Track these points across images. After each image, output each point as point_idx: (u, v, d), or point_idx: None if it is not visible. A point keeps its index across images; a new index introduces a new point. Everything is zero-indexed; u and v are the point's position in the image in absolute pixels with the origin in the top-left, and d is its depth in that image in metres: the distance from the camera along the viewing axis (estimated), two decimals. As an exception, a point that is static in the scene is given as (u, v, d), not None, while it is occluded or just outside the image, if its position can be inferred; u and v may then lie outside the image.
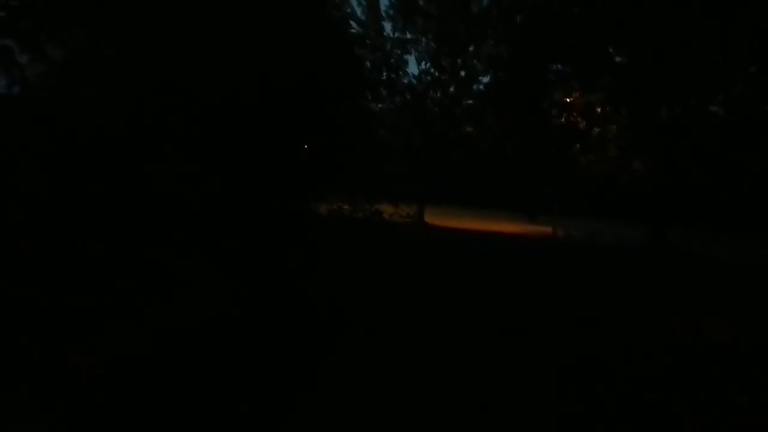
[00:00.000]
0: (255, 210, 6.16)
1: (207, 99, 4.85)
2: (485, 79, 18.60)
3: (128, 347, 3.61)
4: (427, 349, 4.36)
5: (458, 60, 18.95)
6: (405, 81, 19.34)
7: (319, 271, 6.56)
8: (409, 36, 18.48)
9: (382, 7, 18.42)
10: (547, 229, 20.38)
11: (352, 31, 9.27)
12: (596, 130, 17.29)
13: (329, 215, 8.27)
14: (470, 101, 19.16)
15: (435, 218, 21.76)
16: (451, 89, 19.00)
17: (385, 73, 18.92)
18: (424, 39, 19.10)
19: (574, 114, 17.45)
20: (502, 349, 4.54)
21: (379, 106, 20.54)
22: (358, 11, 17.53)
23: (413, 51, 19.13)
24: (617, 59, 18.01)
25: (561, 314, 5.97)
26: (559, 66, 18.77)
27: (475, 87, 18.87)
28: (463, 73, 19.44)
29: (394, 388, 3.44)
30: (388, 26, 43.22)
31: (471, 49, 18.31)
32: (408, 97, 19.38)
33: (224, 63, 5.37)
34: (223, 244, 5.49)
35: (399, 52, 18.57)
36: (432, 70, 18.93)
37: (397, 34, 18.97)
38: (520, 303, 6.61)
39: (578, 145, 18.01)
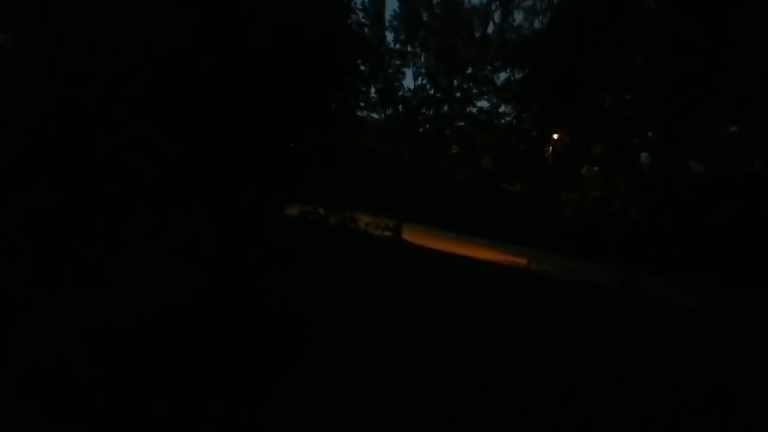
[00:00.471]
0: (219, 196, 5.82)
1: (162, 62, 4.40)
2: (480, 104, 18.69)
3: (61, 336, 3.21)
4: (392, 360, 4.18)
5: (454, 81, 18.98)
6: (400, 93, 19.25)
7: (285, 273, 6.15)
8: (409, 49, 18.50)
9: (387, 16, 18.37)
10: (522, 260, 20.28)
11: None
12: (583, 169, 17.39)
13: (302, 217, 7.96)
14: (461, 123, 19.15)
15: (413, 235, 21.48)
16: (445, 108, 18.99)
17: (376, 84, 18.96)
18: (423, 55, 19.13)
19: (560, 150, 17.59)
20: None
21: (372, 115, 20.50)
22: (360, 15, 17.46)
23: (411, 65, 19.13)
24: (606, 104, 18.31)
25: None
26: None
27: (468, 110, 18.91)
28: (458, 95, 19.47)
29: (362, 398, 3.32)
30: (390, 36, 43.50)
31: (469, 71, 18.38)
32: (400, 108, 19.26)
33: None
34: (178, 227, 5.16)
35: (398, 63, 18.53)
36: (428, 86, 18.92)
37: (398, 46, 18.98)
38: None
39: (562, 182, 18.07)
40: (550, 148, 18.09)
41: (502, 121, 18.10)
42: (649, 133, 18.36)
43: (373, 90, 19.52)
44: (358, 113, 10.68)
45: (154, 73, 4.52)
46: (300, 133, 6.75)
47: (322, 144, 7.13)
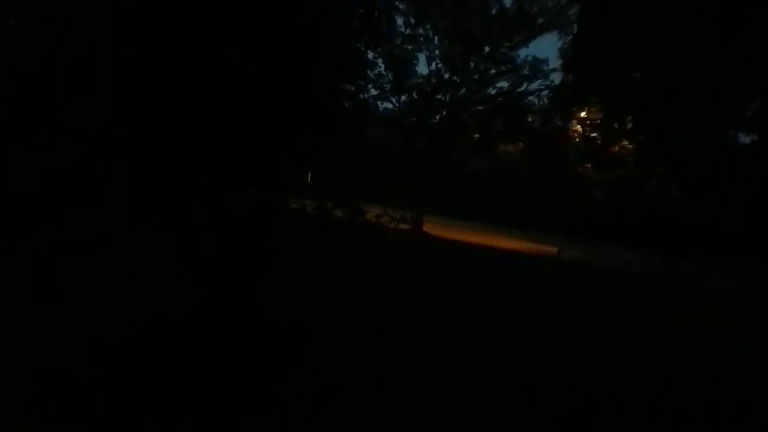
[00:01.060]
0: (215, 196, 5.00)
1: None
2: (500, 84, 17.46)
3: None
4: (401, 375, 3.50)
5: (470, 63, 17.82)
6: (413, 80, 18.21)
7: (286, 275, 5.54)
8: (421, 31, 17.41)
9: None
10: (551, 249, 19.13)
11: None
12: (614, 148, 16.15)
13: (304, 211, 7.23)
14: (480, 107, 17.98)
15: (434, 228, 20.50)
16: (462, 92, 17.82)
17: (386, 70, 17.94)
18: (436, 38, 18.03)
19: (588, 129, 16.36)
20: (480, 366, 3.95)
21: (385, 104, 19.51)
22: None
23: (425, 49, 18.05)
24: (635, 74, 16.96)
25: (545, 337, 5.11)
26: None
27: (487, 92, 17.70)
28: (476, 76, 18.31)
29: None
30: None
31: (486, 50, 17.19)
32: (414, 96, 18.21)
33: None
34: (173, 229, 4.43)
35: (410, 47, 17.45)
36: (443, 71, 17.80)
37: (408, 31, 17.90)
38: (514, 321, 5.84)
39: (590, 164, 16.88)
40: (579, 126, 16.88)
41: (525, 101, 16.89)
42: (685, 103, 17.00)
43: (385, 79, 18.57)
44: (366, 102, 9.77)
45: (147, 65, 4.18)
46: (297, 126, 6.10)
47: (321, 136, 6.57)
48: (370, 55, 17.82)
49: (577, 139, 17.98)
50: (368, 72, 10.47)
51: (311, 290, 5.51)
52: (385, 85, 18.56)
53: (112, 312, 3.53)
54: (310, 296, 5.29)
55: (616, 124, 16.32)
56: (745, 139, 15.80)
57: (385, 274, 7.43)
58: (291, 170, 6.34)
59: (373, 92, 18.72)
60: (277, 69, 5.49)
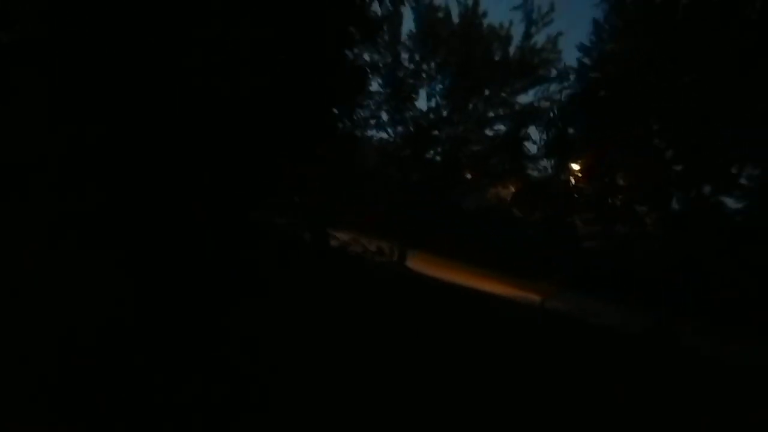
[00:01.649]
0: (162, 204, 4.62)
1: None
2: (497, 127, 17.49)
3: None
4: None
5: (470, 104, 17.93)
6: (411, 113, 18.26)
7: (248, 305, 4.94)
8: (424, 67, 17.59)
9: (403, 35, 17.56)
10: (535, 297, 18.61)
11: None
12: (616, 199, 15.94)
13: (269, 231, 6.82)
14: (476, 147, 17.95)
15: (419, 263, 20.02)
16: (460, 130, 17.84)
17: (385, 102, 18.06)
18: (439, 76, 18.22)
19: (584, 179, 16.24)
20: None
21: (381, 135, 19.49)
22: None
23: (425, 85, 18.19)
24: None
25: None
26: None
27: (485, 133, 17.71)
28: (475, 118, 18.36)
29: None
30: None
31: (487, 93, 17.34)
32: (411, 128, 18.20)
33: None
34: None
35: (412, 81, 17.60)
36: (441, 107, 17.88)
37: (411, 66, 18.12)
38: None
39: (588, 215, 16.65)
40: (571, 178, 16.76)
41: (521, 145, 16.88)
42: (678, 167, 16.98)
43: (382, 111, 18.65)
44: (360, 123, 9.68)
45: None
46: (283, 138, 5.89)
47: (310, 152, 6.38)
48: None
49: (570, 191, 17.84)
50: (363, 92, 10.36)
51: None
52: (381, 115, 18.63)
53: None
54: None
55: (606, 178, 16.21)
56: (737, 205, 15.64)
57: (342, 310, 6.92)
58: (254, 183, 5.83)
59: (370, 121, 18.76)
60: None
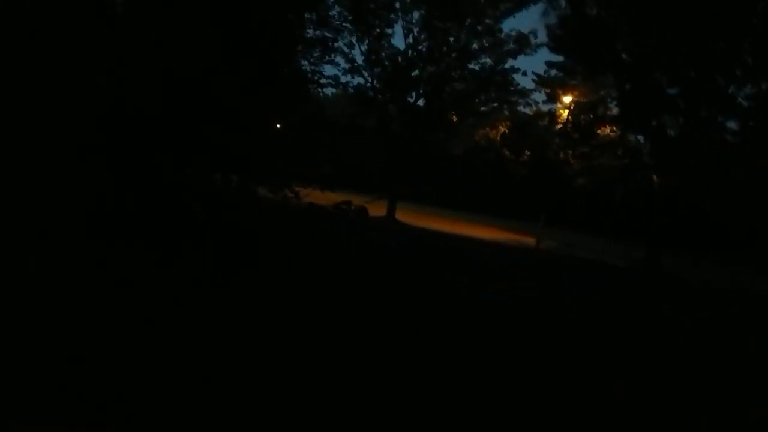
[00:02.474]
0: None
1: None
2: (483, 60, 15.88)
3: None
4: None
5: (451, 36, 16.23)
6: (387, 51, 16.54)
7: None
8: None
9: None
10: (529, 240, 18.14)
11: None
12: (607, 130, 15.01)
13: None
14: (460, 85, 16.43)
15: (408, 215, 19.15)
16: (442, 66, 16.21)
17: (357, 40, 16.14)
18: (415, 9, 16.29)
19: (575, 114, 15.16)
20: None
21: (357, 79, 17.78)
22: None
23: (401, 19, 16.32)
24: (623, 56, 15.83)
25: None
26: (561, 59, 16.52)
27: (470, 67, 16.11)
28: (455, 54, 16.74)
29: None
30: None
31: (467, 22, 15.62)
32: (388, 67, 16.53)
33: None
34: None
35: (385, 13, 15.73)
36: (421, 41, 16.11)
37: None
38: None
39: (576, 150, 15.77)
40: (563, 111, 15.69)
41: (510, 78, 15.45)
42: (673, 90, 16.02)
43: (358, 50, 16.84)
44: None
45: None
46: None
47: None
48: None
49: (561, 125, 16.85)
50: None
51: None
52: (354, 57, 16.85)
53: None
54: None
55: (602, 108, 15.21)
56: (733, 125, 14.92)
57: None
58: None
59: (342, 64, 16.98)
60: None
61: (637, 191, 17.47)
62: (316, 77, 9.91)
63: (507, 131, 17.25)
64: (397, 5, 15.77)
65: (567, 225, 23.76)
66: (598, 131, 15.48)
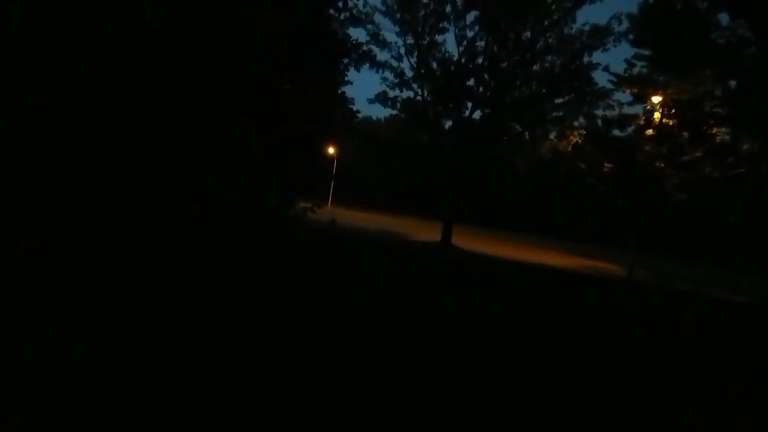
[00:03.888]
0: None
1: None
2: (552, 59, 13.53)
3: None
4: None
5: (510, 33, 14.14)
6: (439, 56, 14.86)
7: None
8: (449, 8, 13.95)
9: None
10: (612, 267, 15.16)
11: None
12: (716, 132, 12.07)
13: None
14: (526, 88, 14.19)
15: (467, 240, 16.96)
16: (503, 67, 14.13)
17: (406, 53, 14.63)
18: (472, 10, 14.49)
19: (679, 110, 12.34)
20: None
21: (406, 93, 16.24)
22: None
23: (453, 26, 14.60)
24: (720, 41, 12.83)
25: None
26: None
27: (535, 67, 13.85)
28: (515, 58, 14.63)
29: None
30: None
31: (532, 18, 13.51)
32: (439, 78, 14.79)
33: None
34: None
35: (434, 21, 14.14)
36: (477, 44, 14.19)
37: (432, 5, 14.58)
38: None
39: (677, 158, 12.86)
40: (658, 113, 12.95)
41: (588, 76, 12.96)
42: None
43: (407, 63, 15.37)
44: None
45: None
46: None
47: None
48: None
49: (653, 129, 14.02)
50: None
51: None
52: (402, 69, 15.34)
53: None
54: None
55: (708, 106, 12.28)
56: None
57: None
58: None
59: (389, 78, 15.52)
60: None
61: (754, 207, 14.00)
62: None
63: (580, 141, 14.67)
64: (448, 8, 14.10)
65: (659, 250, 20.14)
66: (709, 131, 12.47)
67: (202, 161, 5.32)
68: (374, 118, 49.10)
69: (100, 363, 2.55)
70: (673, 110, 12.64)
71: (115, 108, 4.64)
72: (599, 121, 13.98)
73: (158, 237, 4.96)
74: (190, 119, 5.10)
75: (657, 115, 13.09)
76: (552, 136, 15.31)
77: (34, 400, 2.08)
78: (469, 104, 15.70)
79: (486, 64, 14.47)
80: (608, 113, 13.58)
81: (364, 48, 15.98)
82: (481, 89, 15.06)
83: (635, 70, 13.87)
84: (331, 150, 29.62)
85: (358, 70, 18.12)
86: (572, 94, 13.30)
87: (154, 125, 4.89)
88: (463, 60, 15.36)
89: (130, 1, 4.96)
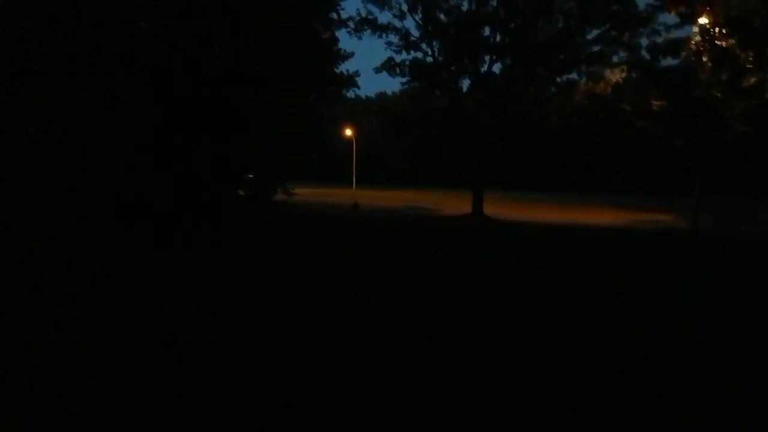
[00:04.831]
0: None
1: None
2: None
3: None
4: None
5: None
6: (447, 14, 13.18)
7: None
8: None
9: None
10: (665, 218, 13.39)
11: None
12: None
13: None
14: (554, 24, 12.24)
15: (498, 207, 15.55)
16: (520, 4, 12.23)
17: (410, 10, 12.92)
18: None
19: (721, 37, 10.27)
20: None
21: (411, 54, 14.63)
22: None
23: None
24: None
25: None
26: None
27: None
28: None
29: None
30: None
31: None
32: (451, 32, 13.12)
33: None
34: None
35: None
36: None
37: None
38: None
39: (740, 82, 10.83)
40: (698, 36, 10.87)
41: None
42: None
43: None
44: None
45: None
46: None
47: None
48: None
49: (700, 56, 11.94)
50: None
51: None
52: (408, 30, 13.78)
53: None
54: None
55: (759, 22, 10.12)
56: None
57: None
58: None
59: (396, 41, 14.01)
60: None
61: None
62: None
63: (622, 79, 12.72)
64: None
65: (719, 191, 17.78)
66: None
67: (202, 159, 5.40)
68: (389, 93, 47.46)
69: (100, 363, 2.48)
70: (724, 30, 10.52)
71: (115, 108, 4.70)
72: (643, 52, 11.98)
73: (161, 233, 5.09)
74: (191, 119, 5.18)
75: (714, 33, 10.99)
76: (587, 78, 13.39)
77: (34, 400, 2.09)
78: (487, 57, 14.02)
79: (500, 5, 12.66)
80: (654, 40, 11.57)
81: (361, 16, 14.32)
82: (498, 37, 13.30)
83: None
84: (348, 132, 28.53)
85: (360, 38, 16.39)
86: (608, 24, 11.36)
87: (154, 125, 4.98)
88: (473, 6, 13.61)
89: (130, 2, 5.09)
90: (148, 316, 3.23)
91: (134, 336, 2.85)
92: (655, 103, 13.01)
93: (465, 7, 13.83)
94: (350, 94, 10.69)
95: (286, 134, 6.06)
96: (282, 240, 6.55)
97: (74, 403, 2.05)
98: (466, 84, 15.50)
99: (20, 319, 2.94)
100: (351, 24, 14.00)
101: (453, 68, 14.71)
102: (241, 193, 6.63)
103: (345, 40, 18.76)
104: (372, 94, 48.48)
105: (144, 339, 2.80)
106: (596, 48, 11.85)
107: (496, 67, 16.48)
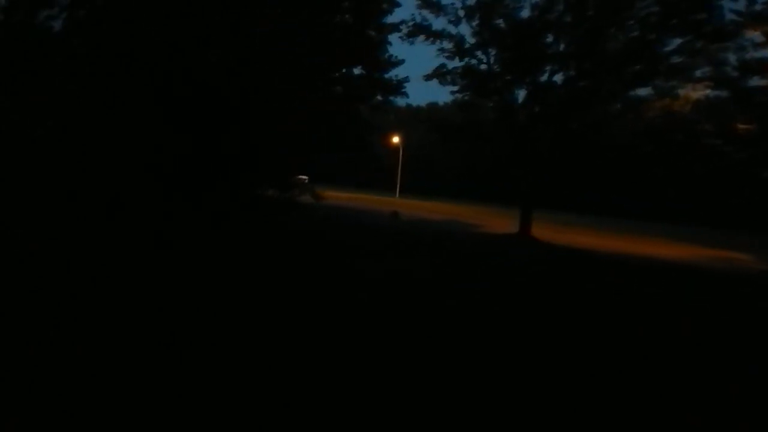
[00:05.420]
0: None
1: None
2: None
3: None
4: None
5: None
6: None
7: None
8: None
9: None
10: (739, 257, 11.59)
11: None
12: None
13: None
14: (627, 33, 10.95)
15: (548, 231, 14.36)
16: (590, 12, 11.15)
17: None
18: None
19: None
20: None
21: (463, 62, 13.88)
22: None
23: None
24: None
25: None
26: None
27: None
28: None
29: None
30: None
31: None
32: (508, 40, 12.26)
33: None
34: None
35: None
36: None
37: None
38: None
39: None
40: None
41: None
42: None
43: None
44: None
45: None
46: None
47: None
48: None
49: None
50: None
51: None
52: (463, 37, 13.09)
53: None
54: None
55: None
56: None
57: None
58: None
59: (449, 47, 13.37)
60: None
61: None
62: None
63: (705, 96, 11.22)
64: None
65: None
66: None
67: (207, 161, 5.33)
68: (440, 103, 46.65)
69: (100, 363, 2.46)
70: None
71: (115, 108, 4.61)
72: (728, 69, 10.45)
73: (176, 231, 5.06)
74: (192, 120, 5.12)
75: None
76: (662, 93, 11.93)
77: (34, 400, 2.06)
78: (547, 67, 12.97)
79: (567, 11, 11.63)
80: (743, 56, 10.05)
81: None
82: (562, 46, 12.24)
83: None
84: (396, 140, 28.26)
85: (412, 43, 15.78)
86: (691, 35, 9.98)
87: (154, 126, 4.89)
88: (536, 12, 12.66)
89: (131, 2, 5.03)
90: (148, 316, 3.22)
91: (134, 336, 2.83)
92: (742, 127, 11.37)
93: (526, 13, 12.97)
94: (400, 102, 10.35)
95: (286, 134, 5.88)
96: (276, 245, 6.37)
97: (74, 403, 2.02)
98: (520, 94, 14.59)
99: (20, 319, 2.94)
100: (403, 29, 13.58)
101: (508, 77, 13.84)
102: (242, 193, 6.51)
103: (395, 46, 18.35)
104: (423, 104, 48.10)
105: (144, 339, 2.78)
106: (677, 59, 10.46)
107: (558, 77, 15.37)
